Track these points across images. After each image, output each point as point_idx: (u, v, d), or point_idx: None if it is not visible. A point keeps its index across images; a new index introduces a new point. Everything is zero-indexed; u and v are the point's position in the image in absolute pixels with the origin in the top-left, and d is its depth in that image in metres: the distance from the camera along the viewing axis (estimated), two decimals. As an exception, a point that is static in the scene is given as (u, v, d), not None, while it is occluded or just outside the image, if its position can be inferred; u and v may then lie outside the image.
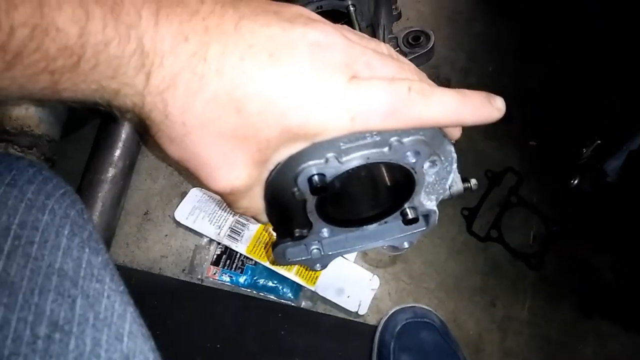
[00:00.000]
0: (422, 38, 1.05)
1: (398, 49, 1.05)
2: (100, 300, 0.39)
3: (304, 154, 0.34)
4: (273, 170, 0.35)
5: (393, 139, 0.35)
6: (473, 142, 1.19)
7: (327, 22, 0.37)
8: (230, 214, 1.00)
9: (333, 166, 0.35)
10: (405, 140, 0.35)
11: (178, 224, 1.01)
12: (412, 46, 1.05)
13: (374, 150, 0.35)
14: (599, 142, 1.09)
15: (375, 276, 1.01)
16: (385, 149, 0.35)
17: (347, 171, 0.36)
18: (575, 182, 1.09)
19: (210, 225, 0.98)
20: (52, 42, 0.28)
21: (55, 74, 0.29)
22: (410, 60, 1.03)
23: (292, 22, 0.34)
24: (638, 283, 0.95)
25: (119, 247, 1.04)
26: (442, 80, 1.24)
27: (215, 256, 0.97)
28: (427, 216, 0.46)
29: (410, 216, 0.43)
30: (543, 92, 1.26)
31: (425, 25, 1.29)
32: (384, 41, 1.02)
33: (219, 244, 0.98)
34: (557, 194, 1.14)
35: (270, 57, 0.33)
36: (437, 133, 0.39)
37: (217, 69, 0.32)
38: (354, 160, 0.36)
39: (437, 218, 0.45)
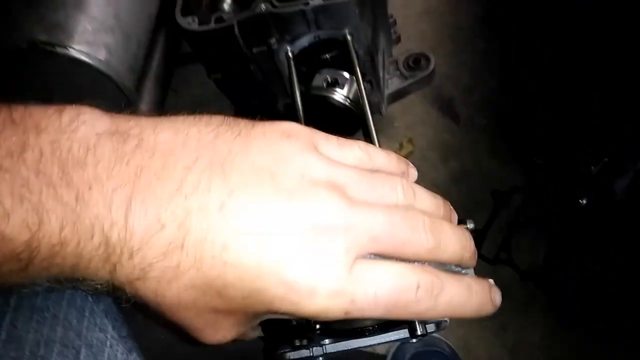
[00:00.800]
0: (422, 61, 1.04)
1: (398, 72, 1.05)
2: (103, 350, 0.39)
3: None
4: None
5: None
6: (478, 162, 1.18)
7: (331, 178, 0.33)
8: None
9: None
10: None
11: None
12: (412, 69, 1.04)
13: None
14: (606, 159, 1.07)
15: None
16: None
17: None
18: (584, 201, 1.07)
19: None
20: None
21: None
22: (412, 83, 1.04)
23: (291, 196, 0.31)
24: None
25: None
26: (446, 100, 1.24)
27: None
28: (438, 323, 0.43)
29: (419, 332, 0.40)
30: (548, 108, 1.25)
31: (426, 44, 1.30)
32: (383, 66, 1.02)
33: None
34: (566, 213, 1.12)
35: (260, 244, 0.29)
36: None
37: (196, 258, 0.29)
38: None
39: (448, 324, 0.42)
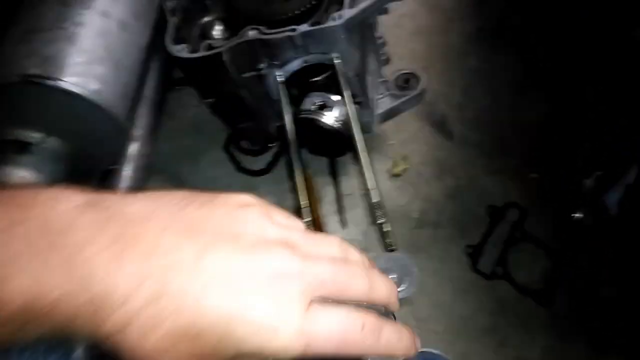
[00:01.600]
0: (412, 80, 1.06)
1: (389, 92, 1.06)
2: None
3: None
4: None
5: None
6: (473, 178, 1.18)
7: (284, 238, 0.38)
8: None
9: None
10: None
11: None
12: (403, 89, 1.06)
13: None
14: (599, 173, 1.08)
15: (379, 323, 0.99)
16: None
17: None
18: (578, 215, 1.07)
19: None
20: None
21: None
22: (403, 102, 1.05)
23: (253, 250, 0.36)
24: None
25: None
26: (438, 117, 1.25)
27: None
28: None
29: None
30: (541, 123, 1.26)
31: (418, 63, 1.31)
32: (373, 87, 1.03)
33: None
34: (562, 227, 1.12)
35: (229, 293, 0.34)
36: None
37: (175, 308, 0.32)
38: None
39: None
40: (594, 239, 1.08)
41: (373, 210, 0.75)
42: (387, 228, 0.76)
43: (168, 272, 0.33)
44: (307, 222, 0.75)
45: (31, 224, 0.31)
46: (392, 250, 0.76)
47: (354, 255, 0.44)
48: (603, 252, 1.06)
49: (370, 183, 0.77)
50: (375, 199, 0.75)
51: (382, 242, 0.91)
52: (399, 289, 1.00)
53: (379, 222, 0.74)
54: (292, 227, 0.42)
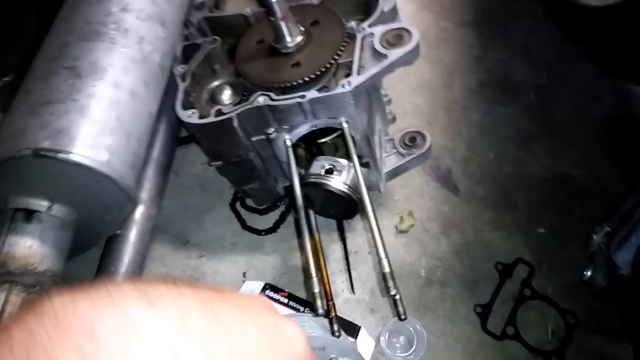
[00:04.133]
0: (418, 139, 1.06)
1: (395, 150, 1.07)
2: None
3: None
4: None
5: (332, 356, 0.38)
6: (480, 233, 1.17)
7: None
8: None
9: None
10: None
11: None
12: (409, 147, 1.06)
13: None
14: (608, 229, 1.07)
15: (389, 388, 0.96)
16: None
17: None
18: (588, 273, 1.06)
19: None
20: None
21: None
22: (409, 160, 1.05)
23: None
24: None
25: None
26: (444, 171, 1.25)
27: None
28: None
29: None
30: (545, 177, 1.26)
31: (422, 118, 1.33)
32: (380, 146, 1.04)
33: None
34: (572, 284, 1.11)
35: None
36: None
37: None
38: None
39: None
40: (605, 297, 1.07)
41: (385, 280, 0.74)
42: (398, 297, 0.74)
43: None
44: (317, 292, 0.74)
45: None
46: (403, 320, 0.74)
47: None
48: (616, 311, 1.05)
49: (380, 252, 0.76)
50: (386, 269, 0.74)
51: (393, 309, 0.90)
52: (407, 353, 0.98)
53: (391, 293, 0.72)
54: None
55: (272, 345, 0.39)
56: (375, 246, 0.77)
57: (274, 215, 1.14)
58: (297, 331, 0.42)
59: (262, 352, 0.38)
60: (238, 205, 1.14)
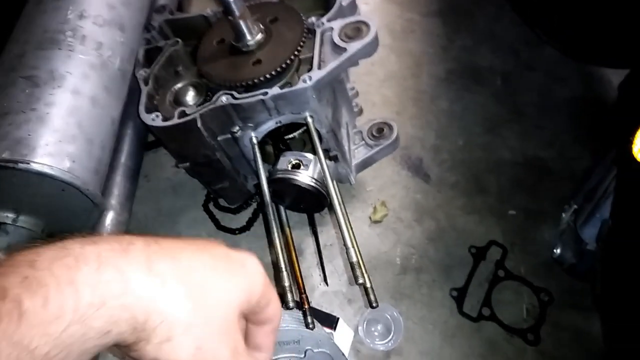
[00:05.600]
0: (385, 129, 1.08)
1: (364, 142, 1.08)
2: None
3: None
4: None
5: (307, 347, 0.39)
6: (453, 219, 1.19)
7: None
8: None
9: None
10: (315, 350, 0.39)
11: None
12: (376, 138, 1.07)
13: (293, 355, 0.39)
14: (576, 207, 1.09)
15: (369, 376, 0.98)
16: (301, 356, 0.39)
17: None
18: (558, 251, 1.08)
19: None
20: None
21: None
22: (377, 151, 1.06)
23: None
24: (625, 350, 0.92)
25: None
26: (415, 160, 1.27)
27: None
28: None
29: None
30: (515, 159, 1.28)
31: (391, 109, 1.34)
32: (348, 138, 1.05)
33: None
34: (544, 263, 1.13)
35: None
36: (339, 353, 0.50)
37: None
38: None
39: None
40: (575, 273, 1.09)
41: (353, 269, 0.75)
42: (367, 285, 0.75)
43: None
44: (287, 286, 0.75)
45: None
46: (374, 307, 0.76)
47: None
48: (586, 286, 1.07)
49: (347, 242, 0.77)
50: (352, 258, 0.75)
51: (365, 299, 0.91)
52: (385, 341, 1.00)
53: (359, 282, 0.73)
54: None
55: (224, 265, 0.42)
56: (342, 236, 0.78)
57: (247, 214, 1.14)
58: (251, 257, 0.45)
59: (211, 271, 0.41)
60: (211, 206, 1.14)
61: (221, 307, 0.40)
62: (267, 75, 0.85)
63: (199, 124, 0.85)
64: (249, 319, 0.45)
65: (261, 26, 0.89)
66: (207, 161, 0.92)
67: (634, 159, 0.80)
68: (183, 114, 0.85)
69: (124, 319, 0.35)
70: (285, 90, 0.83)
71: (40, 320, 0.31)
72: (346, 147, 1.03)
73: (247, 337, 0.46)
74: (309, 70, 0.86)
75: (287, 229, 0.87)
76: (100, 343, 0.34)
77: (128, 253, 0.37)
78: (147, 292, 0.36)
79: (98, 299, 0.34)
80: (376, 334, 1.04)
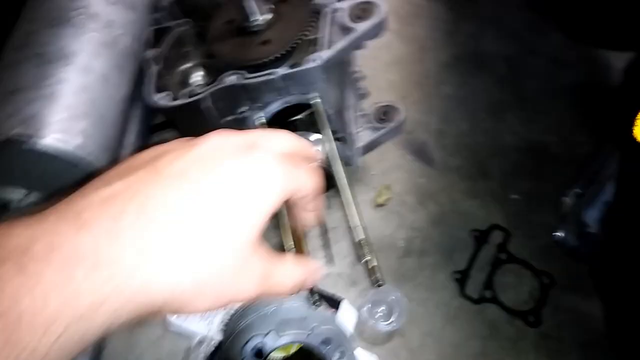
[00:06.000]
0: (391, 112, 1.08)
1: (369, 124, 1.09)
2: None
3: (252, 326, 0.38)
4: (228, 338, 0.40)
5: (313, 324, 0.41)
6: (456, 203, 1.20)
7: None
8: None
9: (272, 338, 0.40)
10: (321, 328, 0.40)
11: (168, 325, 1.01)
12: (382, 121, 1.08)
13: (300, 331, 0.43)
14: (578, 190, 1.11)
15: (374, 355, 0.99)
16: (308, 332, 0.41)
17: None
18: (560, 234, 1.09)
19: (201, 321, 0.98)
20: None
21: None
22: (382, 134, 1.07)
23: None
24: (627, 333, 0.94)
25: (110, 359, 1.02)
26: (419, 144, 1.27)
27: (208, 354, 0.96)
28: None
29: None
30: (519, 144, 1.29)
31: (396, 93, 1.34)
32: (354, 121, 1.05)
33: (212, 340, 0.97)
34: (546, 246, 1.15)
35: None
36: (342, 333, 0.53)
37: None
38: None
39: None
40: (577, 256, 1.11)
41: (358, 248, 0.76)
42: (373, 264, 0.76)
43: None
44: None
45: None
46: (379, 286, 0.77)
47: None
48: (588, 269, 1.09)
49: (353, 221, 0.78)
50: (359, 236, 0.76)
51: (368, 280, 0.92)
52: (389, 321, 1.01)
53: (364, 260, 0.74)
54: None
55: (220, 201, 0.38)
56: (349, 216, 0.79)
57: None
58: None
59: (205, 217, 0.37)
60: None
61: (230, 248, 0.37)
62: (276, 55, 0.86)
63: (209, 104, 0.85)
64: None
65: (270, 6, 0.89)
66: (215, 141, 0.93)
67: (636, 141, 0.82)
68: (193, 94, 0.86)
69: (126, 311, 0.33)
70: (294, 69, 0.83)
71: (39, 323, 0.30)
72: (352, 130, 1.03)
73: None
74: (317, 50, 0.87)
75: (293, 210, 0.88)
76: (104, 332, 0.33)
77: (120, 231, 0.34)
78: (142, 278, 0.34)
79: (98, 298, 0.32)
80: (380, 315, 1.05)
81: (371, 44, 0.89)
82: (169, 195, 0.36)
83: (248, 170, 0.39)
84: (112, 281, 0.33)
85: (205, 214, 0.36)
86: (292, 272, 0.45)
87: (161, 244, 0.34)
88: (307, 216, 0.47)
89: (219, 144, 0.40)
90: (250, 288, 0.39)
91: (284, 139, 0.46)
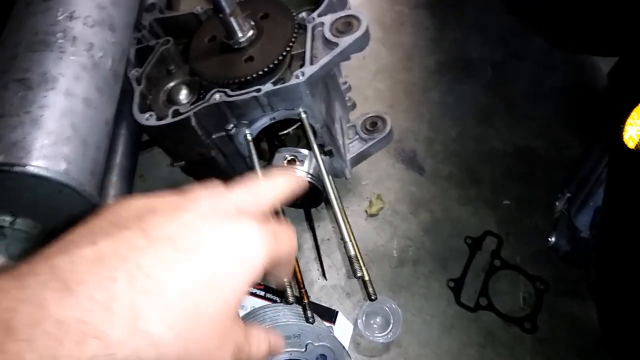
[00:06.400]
0: (378, 123, 1.08)
1: (358, 136, 1.08)
2: None
3: None
4: None
5: (308, 341, 0.40)
6: (448, 210, 1.20)
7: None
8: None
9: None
10: (316, 344, 0.40)
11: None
12: (370, 132, 1.08)
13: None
14: (569, 195, 1.11)
15: (370, 367, 0.99)
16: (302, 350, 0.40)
17: None
18: (553, 239, 1.09)
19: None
20: None
21: None
22: (371, 145, 1.07)
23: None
24: (620, 337, 0.93)
25: None
26: (408, 153, 1.27)
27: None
28: None
29: None
30: (508, 149, 1.29)
31: (383, 102, 1.34)
32: (342, 133, 1.05)
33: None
34: (539, 251, 1.14)
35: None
36: (340, 347, 0.49)
37: None
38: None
39: None
40: (570, 260, 1.11)
41: (351, 262, 0.75)
42: (365, 279, 0.76)
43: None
44: (286, 281, 0.75)
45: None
46: (373, 300, 0.76)
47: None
48: (581, 274, 1.09)
49: (344, 236, 0.77)
50: (351, 251, 0.75)
51: (363, 292, 0.92)
52: (385, 333, 1.01)
53: (358, 275, 0.74)
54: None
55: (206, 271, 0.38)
56: (340, 230, 0.78)
57: (244, 211, 1.14)
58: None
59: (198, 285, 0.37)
60: (208, 204, 1.14)
61: (216, 321, 0.37)
62: (260, 72, 0.85)
63: (194, 123, 0.85)
64: None
65: (252, 23, 0.89)
66: (203, 159, 0.92)
67: (625, 146, 0.81)
68: (177, 113, 0.85)
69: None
70: (278, 86, 0.83)
71: None
72: (340, 142, 1.03)
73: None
74: (301, 66, 0.86)
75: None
76: None
77: (109, 301, 0.33)
78: (130, 348, 0.33)
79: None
80: (375, 326, 1.04)
81: (358, 54, 0.89)
82: (158, 267, 0.35)
83: (235, 243, 0.39)
84: (99, 355, 0.31)
85: (195, 289, 0.36)
86: (263, 341, 0.47)
87: (152, 315, 0.34)
88: (282, 271, 0.47)
89: (206, 210, 0.40)
90: (227, 358, 0.39)
91: (268, 194, 0.47)
